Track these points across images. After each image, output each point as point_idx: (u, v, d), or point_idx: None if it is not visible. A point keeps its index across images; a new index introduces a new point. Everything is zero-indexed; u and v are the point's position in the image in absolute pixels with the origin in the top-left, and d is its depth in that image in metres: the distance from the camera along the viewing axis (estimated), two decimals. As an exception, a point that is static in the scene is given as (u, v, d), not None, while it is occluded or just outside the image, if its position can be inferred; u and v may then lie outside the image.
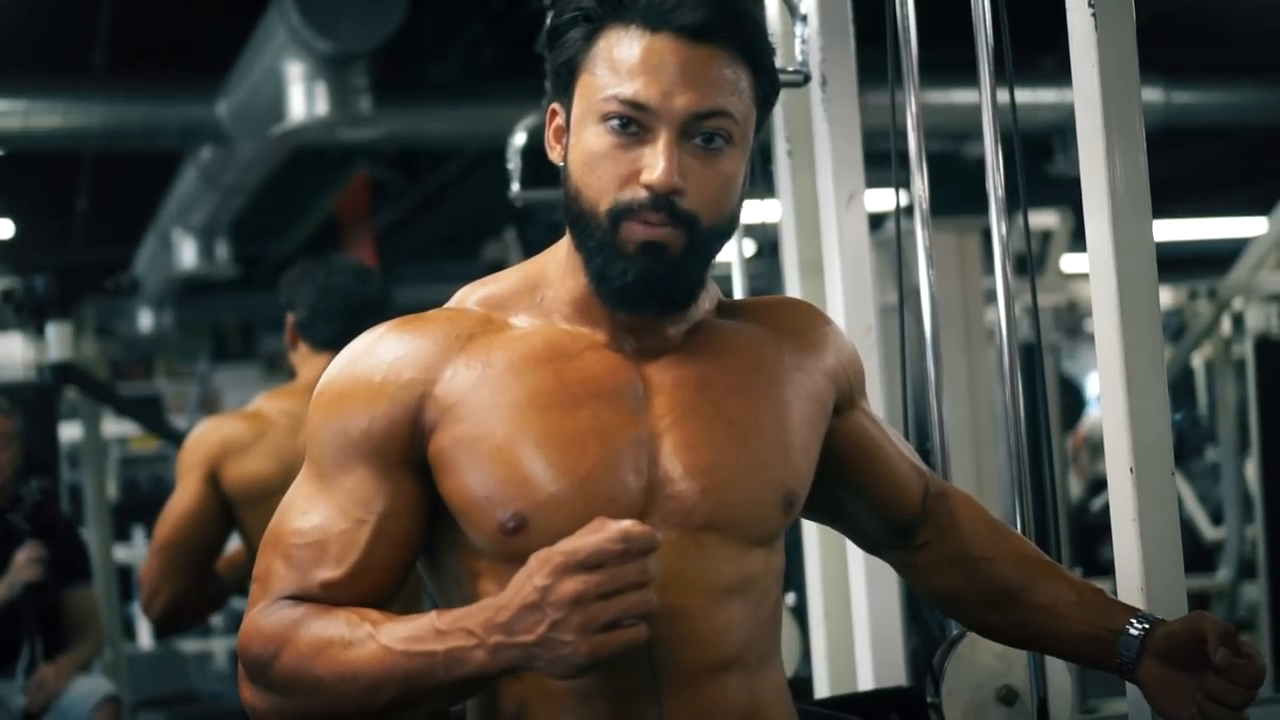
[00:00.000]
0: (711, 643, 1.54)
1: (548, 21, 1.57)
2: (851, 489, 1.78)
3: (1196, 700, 1.60)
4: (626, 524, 1.38)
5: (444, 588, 1.60)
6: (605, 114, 1.50)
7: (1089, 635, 1.70)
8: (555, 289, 1.59)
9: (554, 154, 1.60)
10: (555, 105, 1.59)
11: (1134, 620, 1.67)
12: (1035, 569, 1.77)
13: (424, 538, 1.56)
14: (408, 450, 1.53)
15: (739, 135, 1.53)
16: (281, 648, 1.48)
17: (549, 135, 1.60)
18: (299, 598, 1.51)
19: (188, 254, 9.42)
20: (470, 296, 1.63)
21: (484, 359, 1.54)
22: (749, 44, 1.53)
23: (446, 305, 1.64)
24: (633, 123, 1.50)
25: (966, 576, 1.80)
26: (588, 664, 1.37)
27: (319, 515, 1.53)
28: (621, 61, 1.50)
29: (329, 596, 1.51)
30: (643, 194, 1.49)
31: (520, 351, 1.55)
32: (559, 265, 1.60)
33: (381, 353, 1.56)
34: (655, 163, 1.49)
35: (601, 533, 1.37)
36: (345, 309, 3.14)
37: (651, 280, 1.51)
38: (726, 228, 1.56)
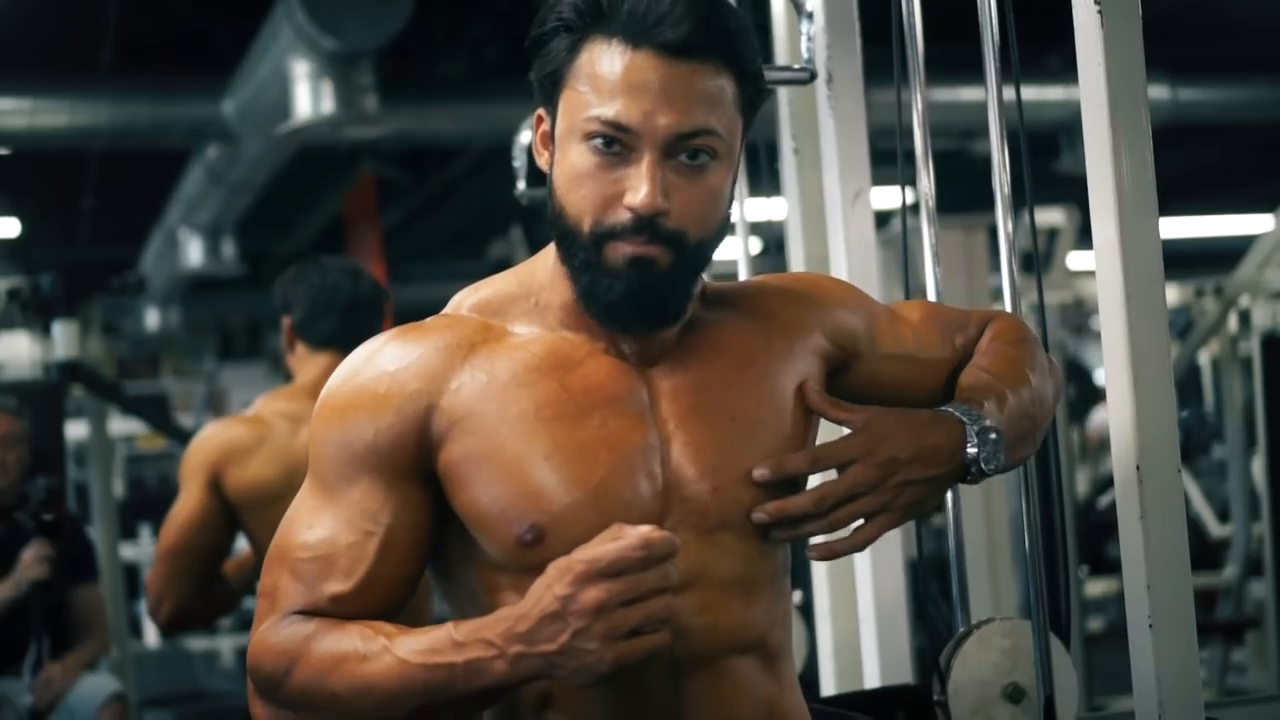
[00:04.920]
0: (733, 633, 1.56)
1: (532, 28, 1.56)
2: (903, 403, 1.75)
3: None
4: (645, 529, 1.38)
5: (459, 599, 1.59)
6: (588, 133, 1.49)
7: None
8: (549, 294, 1.59)
9: (541, 160, 1.59)
10: (541, 111, 1.58)
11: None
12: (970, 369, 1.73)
13: (431, 547, 1.56)
14: (415, 461, 1.53)
15: (724, 149, 1.52)
16: (294, 664, 1.48)
17: (536, 141, 1.59)
18: (308, 612, 1.50)
19: (194, 252, 9.43)
20: (465, 303, 1.62)
21: (488, 369, 1.54)
22: (733, 54, 1.51)
23: (442, 313, 1.63)
24: (615, 142, 1.49)
25: None
26: (611, 672, 1.38)
27: (325, 528, 1.52)
28: (603, 79, 1.49)
29: (338, 610, 1.50)
30: (625, 216, 1.49)
31: (523, 361, 1.55)
32: (550, 270, 1.59)
33: (383, 363, 1.55)
34: (638, 185, 1.48)
35: (621, 540, 1.37)
36: (341, 306, 3.17)
37: (639, 295, 1.51)
38: (714, 239, 1.55)
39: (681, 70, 1.48)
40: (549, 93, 1.55)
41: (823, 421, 1.67)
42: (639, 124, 1.47)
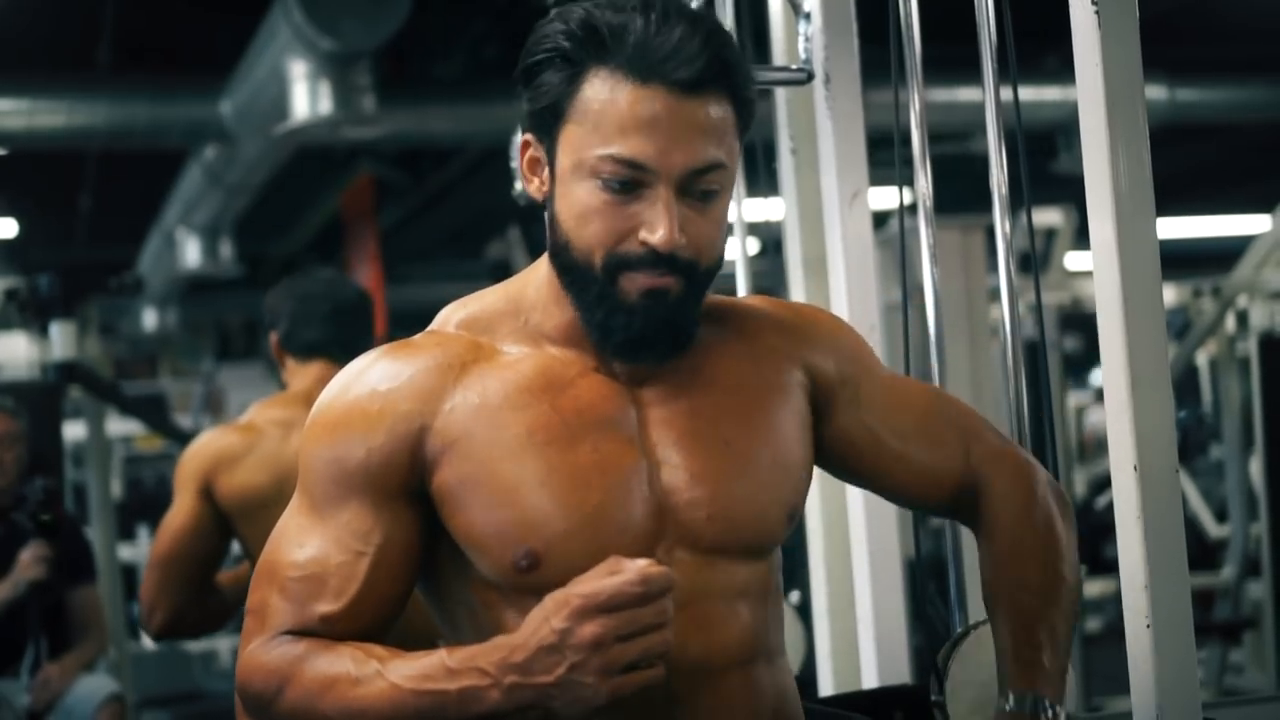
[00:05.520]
0: (730, 646, 1.55)
1: (522, 58, 1.54)
2: (864, 483, 1.75)
3: None
4: (643, 564, 1.37)
5: (453, 614, 1.58)
6: (598, 171, 1.48)
7: None
8: (540, 316, 1.57)
9: (530, 187, 1.57)
10: (529, 138, 1.56)
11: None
12: (1003, 613, 1.72)
13: (421, 566, 1.55)
14: (406, 481, 1.52)
15: (728, 180, 1.53)
16: (285, 684, 1.47)
17: (523, 166, 1.57)
18: (297, 632, 1.50)
19: (192, 253, 9.43)
20: (452, 319, 1.60)
21: (479, 389, 1.52)
22: (735, 84, 1.50)
23: (430, 329, 1.61)
24: (628, 179, 1.47)
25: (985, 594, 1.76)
26: (606, 705, 1.38)
27: (315, 548, 1.51)
28: (610, 115, 1.47)
29: (328, 630, 1.49)
30: (640, 250, 1.48)
31: (514, 381, 1.53)
32: (541, 288, 1.58)
33: (374, 381, 1.53)
34: (656, 223, 1.47)
35: (620, 575, 1.37)
36: (322, 313, 3.18)
37: (656, 327, 1.50)
38: (719, 264, 1.55)
39: (691, 105, 1.47)
40: (546, 125, 1.52)
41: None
42: (654, 162, 1.46)
